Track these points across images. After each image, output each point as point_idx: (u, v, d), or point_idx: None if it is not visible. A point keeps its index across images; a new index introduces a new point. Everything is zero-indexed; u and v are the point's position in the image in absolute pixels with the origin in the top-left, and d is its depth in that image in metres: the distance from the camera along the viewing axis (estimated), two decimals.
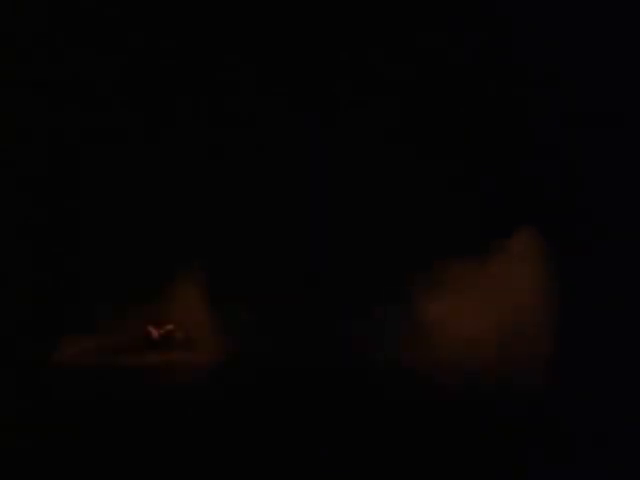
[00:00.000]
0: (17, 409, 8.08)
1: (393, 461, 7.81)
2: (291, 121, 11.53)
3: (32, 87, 11.11)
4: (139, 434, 7.83)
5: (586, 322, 9.99)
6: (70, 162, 11.42)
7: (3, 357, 9.78)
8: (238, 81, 11.46)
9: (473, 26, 11.27)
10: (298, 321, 10.31)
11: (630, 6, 11.02)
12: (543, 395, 8.81)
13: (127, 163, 11.51)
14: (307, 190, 11.57)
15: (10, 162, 11.18)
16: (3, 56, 11.01)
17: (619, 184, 11.24)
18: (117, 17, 11.08)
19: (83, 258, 11.45)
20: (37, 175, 11.20)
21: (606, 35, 11.14)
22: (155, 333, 10.38)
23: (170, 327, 10.48)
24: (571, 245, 10.22)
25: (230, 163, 11.53)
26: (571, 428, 8.03)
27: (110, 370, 9.70)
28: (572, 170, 11.30)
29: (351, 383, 9.03)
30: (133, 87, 11.51)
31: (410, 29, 11.28)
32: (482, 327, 10.09)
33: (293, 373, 9.12)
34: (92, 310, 10.82)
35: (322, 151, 11.55)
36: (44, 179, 11.24)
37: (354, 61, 11.53)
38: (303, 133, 11.56)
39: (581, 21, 11.09)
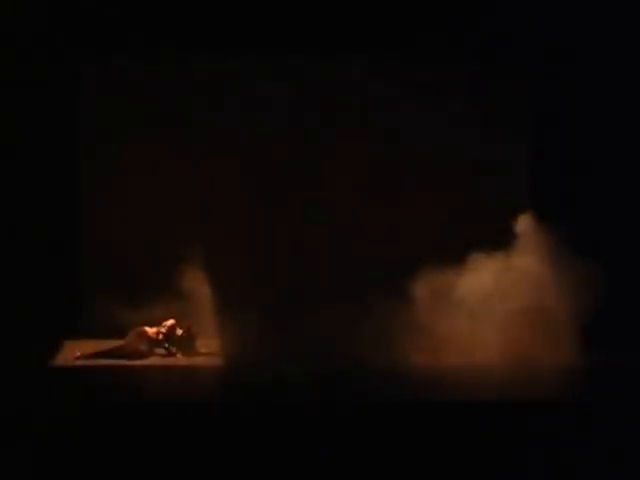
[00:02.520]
0: (17, 411, 8.02)
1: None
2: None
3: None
4: (139, 436, 7.81)
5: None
6: (72, 161, 11.49)
7: (3, 359, 9.74)
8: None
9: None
10: (298, 322, 10.30)
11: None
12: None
13: (128, 161, 11.60)
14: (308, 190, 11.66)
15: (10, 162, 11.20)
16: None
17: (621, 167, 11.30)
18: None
19: (84, 258, 11.54)
20: (37, 173, 11.23)
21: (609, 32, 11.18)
22: (151, 332, 10.31)
23: (170, 322, 10.41)
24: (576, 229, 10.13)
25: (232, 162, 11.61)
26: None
27: (111, 372, 9.67)
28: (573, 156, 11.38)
29: (352, 385, 9.01)
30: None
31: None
32: (492, 325, 10.13)
33: (294, 377, 9.11)
34: (93, 311, 10.87)
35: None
36: (45, 178, 11.26)
37: None
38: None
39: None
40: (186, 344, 10.39)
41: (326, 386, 8.85)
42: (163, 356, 10.29)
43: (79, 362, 9.94)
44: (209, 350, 10.37)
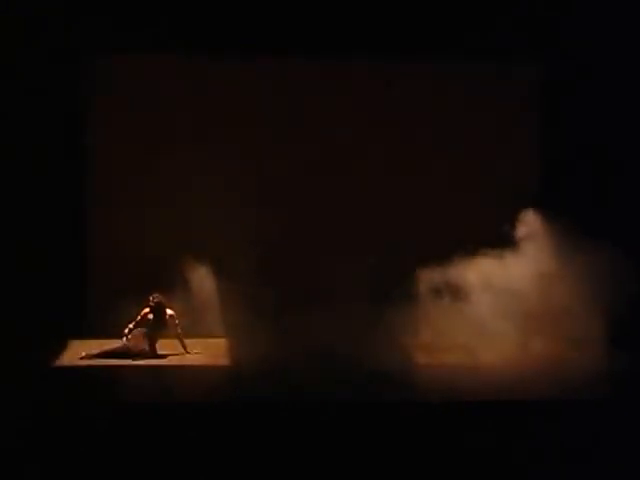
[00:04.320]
0: (18, 412, 7.97)
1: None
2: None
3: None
4: (140, 436, 7.76)
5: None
6: (75, 161, 11.39)
7: (5, 360, 9.71)
8: None
9: None
10: (300, 323, 10.26)
11: None
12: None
13: (130, 161, 11.52)
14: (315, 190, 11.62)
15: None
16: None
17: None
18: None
19: (88, 259, 11.47)
20: (39, 173, 11.15)
21: None
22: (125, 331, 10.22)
23: (144, 311, 10.27)
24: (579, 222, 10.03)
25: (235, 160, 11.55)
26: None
27: (111, 372, 9.63)
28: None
29: (356, 386, 8.94)
30: None
31: None
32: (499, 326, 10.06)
33: (297, 378, 9.09)
34: (97, 311, 10.80)
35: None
36: (47, 178, 11.18)
37: None
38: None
39: None
40: (157, 319, 10.19)
41: (329, 387, 8.83)
42: (165, 357, 10.21)
43: (83, 362, 9.90)
44: (217, 352, 10.33)
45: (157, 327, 10.19)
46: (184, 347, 10.25)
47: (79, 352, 10.09)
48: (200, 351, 10.25)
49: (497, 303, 10.09)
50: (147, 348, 10.14)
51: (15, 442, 7.67)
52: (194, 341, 10.37)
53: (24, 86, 11.06)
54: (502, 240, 10.28)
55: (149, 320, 10.19)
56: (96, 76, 11.42)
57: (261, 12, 11.10)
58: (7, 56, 10.97)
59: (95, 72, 11.42)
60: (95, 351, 10.03)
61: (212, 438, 7.76)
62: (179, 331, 10.25)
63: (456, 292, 10.21)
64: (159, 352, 10.19)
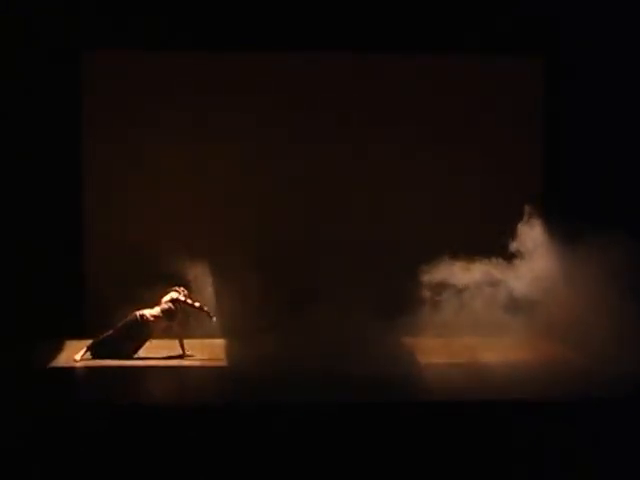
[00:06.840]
0: (16, 411, 7.95)
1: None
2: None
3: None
4: (139, 436, 7.72)
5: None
6: (73, 160, 11.35)
7: (3, 359, 9.70)
8: None
9: None
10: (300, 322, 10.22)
11: None
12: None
13: (129, 160, 11.48)
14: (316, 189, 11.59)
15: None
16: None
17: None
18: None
19: (86, 258, 11.44)
20: (38, 172, 11.13)
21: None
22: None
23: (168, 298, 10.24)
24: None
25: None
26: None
27: (110, 372, 9.58)
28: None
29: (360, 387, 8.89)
30: None
31: None
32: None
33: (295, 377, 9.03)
34: (95, 310, 10.74)
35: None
36: (46, 176, 11.15)
37: None
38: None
39: None
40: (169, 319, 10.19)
41: (328, 387, 8.75)
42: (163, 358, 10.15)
43: (81, 362, 9.85)
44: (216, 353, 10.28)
45: (167, 327, 10.18)
46: (183, 349, 10.18)
47: (77, 352, 9.98)
48: (195, 354, 10.18)
49: (500, 304, 10.07)
50: (145, 331, 10.06)
51: (14, 442, 7.64)
52: (193, 341, 10.31)
53: (22, 85, 11.02)
54: (505, 240, 10.24)
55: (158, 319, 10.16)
56: (95, 75, 11.37)
57: (261, 8, 11.10)
58: (6, 56, 10.95)
59: (94, 71, 11.36)
60: (88, 354, 9.96)
61: (211, 439, 7.74)
62: (181, 332, 10.22)
63: (459, 292, 10.16)
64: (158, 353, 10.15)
